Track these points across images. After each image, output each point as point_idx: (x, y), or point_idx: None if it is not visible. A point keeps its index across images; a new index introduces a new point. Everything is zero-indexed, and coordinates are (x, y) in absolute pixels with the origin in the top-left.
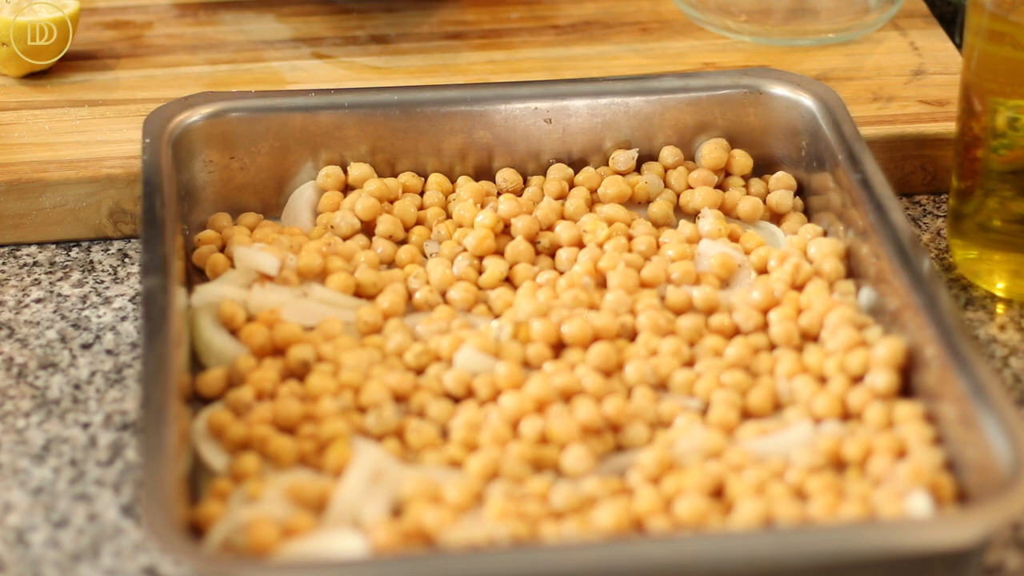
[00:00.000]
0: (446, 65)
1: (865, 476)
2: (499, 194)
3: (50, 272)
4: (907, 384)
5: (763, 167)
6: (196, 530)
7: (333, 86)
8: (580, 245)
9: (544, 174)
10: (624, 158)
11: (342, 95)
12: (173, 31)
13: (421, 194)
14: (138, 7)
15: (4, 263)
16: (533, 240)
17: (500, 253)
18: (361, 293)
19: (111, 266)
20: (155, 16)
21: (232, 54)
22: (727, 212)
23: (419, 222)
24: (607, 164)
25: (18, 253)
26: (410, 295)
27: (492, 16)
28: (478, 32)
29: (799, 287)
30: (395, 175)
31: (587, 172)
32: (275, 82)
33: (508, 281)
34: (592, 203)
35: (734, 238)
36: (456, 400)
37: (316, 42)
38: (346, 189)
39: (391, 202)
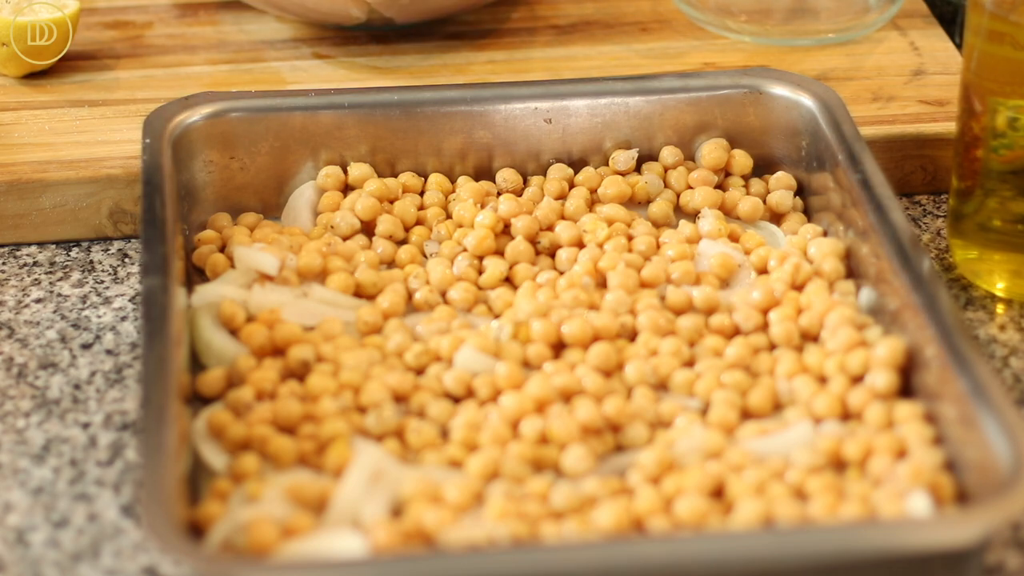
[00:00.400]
0: (446, 65)
1: (865, 476)
2: (499, 194)
3: (50, 272)
4: (907, 384)
5: (763, 167)
6: (196, 530)
7: (333, 86)
8: (580, 245)
9: (544, 174)
10: (624, 158)
11: (342, 95)
12: (173, 31)
13: (421, 194)
14: (138, 7)
15: (4, 263)
16: (533, 240)
17: (500, 253)
18: (361, 293)
19: (111, 266)
20: (155, 16)
21: (232, 54)
22: (727, 212)
23: (419, 222)
24: (607, 164)
25: (18, 253)
26: (410, 295)
27: (492, 16)
28: (478, 32)
29: (799, 287)
30: (395, 175)
31: (587, 172)
32: (275, 82)
33: (508, 281)
34: (592, 203)
35: (734, 238)
36: (456, 400)
37: (316, 42)
38: (346, 189)
39: (391, 202)
